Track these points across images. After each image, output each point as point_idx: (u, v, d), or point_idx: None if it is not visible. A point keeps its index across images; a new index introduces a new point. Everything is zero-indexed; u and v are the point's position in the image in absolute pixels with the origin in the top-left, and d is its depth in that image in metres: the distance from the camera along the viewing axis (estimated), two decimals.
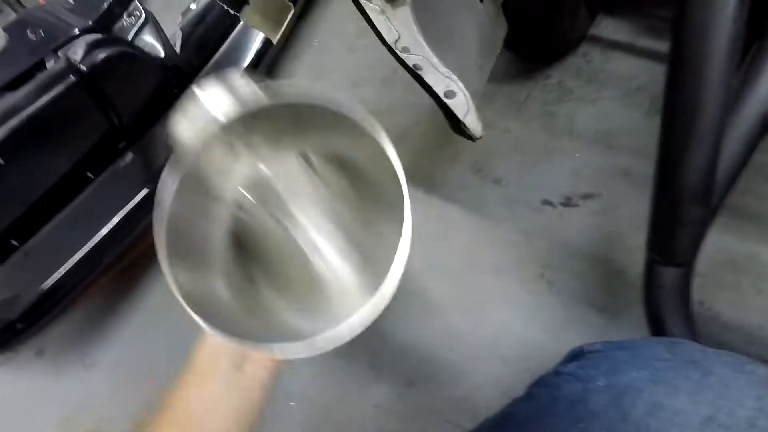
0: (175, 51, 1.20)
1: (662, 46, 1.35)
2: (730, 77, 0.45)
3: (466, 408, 0.94)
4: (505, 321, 1.03)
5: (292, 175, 0.41)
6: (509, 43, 1.25)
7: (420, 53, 0.69)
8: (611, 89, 1.29)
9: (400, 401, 1.01)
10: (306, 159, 0.42)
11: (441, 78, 0.73)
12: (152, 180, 1.13)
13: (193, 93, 0.38)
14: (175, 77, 1.20)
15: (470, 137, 0.81)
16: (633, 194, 1.11)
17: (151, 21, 1.12)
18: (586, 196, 1.13)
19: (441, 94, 0.75)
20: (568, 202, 1.13)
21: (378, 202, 0.40)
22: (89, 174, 1.05)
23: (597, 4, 1.36)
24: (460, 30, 0.85)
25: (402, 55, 0.70)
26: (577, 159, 1.19)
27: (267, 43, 1.41)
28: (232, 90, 0.37)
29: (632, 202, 1.09)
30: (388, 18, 0.65)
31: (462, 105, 0.76)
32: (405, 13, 0.63)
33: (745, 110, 0.51)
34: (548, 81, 1.34)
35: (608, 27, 1.40)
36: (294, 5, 1.52)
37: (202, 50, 1.29)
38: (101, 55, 0.95)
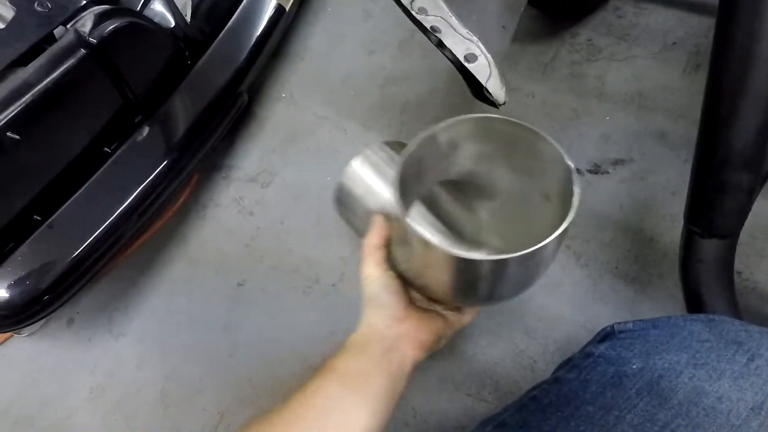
0: (186, 20, 1.16)
1: None
2: None
3: (489, 381, 0.93)
4: (529, 292, 1.00)
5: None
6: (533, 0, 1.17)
7: (438, 14, 0.64)
8: (645, 46, 1.20)
9: (422, 374, 1.01)
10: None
11: (461, 40, 0.68)
12: (171, 152, 1.13)
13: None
14: (188, 47, 1.17)
15: (493, 104, 0.76)
16: (668, 158, 1.04)
17: None
18: (617, 162, 1.07)
19: (461, 58, 0.70)
20: (597, 170, 1.07)
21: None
22: (107, 149, 1.04)
23: None
24: None
25: (418, 17, 0.65)
26: (608, 123, 1.12)
27: (280, 9, 1.36)
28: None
29: (667, 167, 1.03)
30: None
31: (484, 69, 0.71)
32: None
33: None
34: (576, 39, 1.25)
35: None
36: None
37: (214, 18, 1.25)
38: (110, 26, 0.93)
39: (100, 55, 0.93)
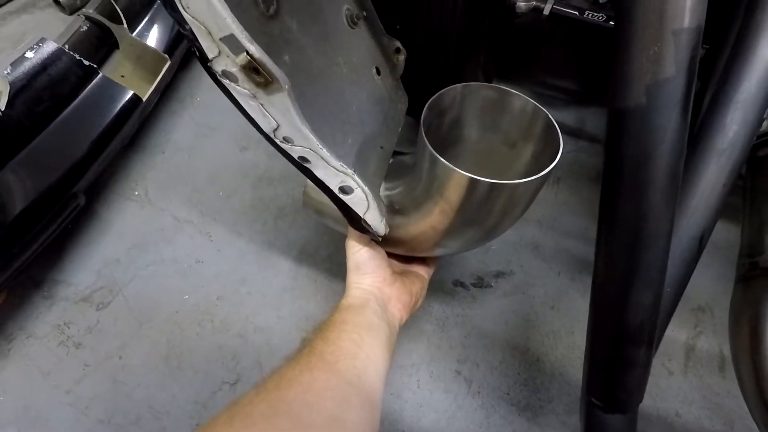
0: None
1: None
2: (674, 204, 0.38)
3: None
4: (423, 429, 0.89)
5: None
6: (413, 107, 1.18)
7: (306, 144, 0.56)
8: None
9: None
10: None
11: (334, 172, 0.59)
12: None
13: None
14: None
15: (372, 235, 0.68)
16: (544, 271, 1.06)
17: None
18: (498, 275, 1.06)
19: (335, 190, 0.62)
20: (480, 283, 1.05)
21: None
22: None
23: (491, 70, 1.36)
24: (357, 110, 0.73)
25: (284, 146, 0.55)
26: None
27: (134, 99, 1.19)
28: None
29: (544, 280, 1.05)
30: (261, 104, 0.50)
31: (361, 201, 0.63)
32: (283, 99, 0.50)
33: (683, 233, 0.45)
34: None
35: None
36: (170, 57, 1.32)
37: (41, 109, 1.03)
38: None
39: None
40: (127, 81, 1.28)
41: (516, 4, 0.97)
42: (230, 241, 1.13)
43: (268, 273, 1.08)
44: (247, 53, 0.45)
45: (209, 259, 1.11)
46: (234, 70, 0.47)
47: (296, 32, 0.62)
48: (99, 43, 1.37)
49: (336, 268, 1.08)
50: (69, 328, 1.03)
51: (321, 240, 1.13)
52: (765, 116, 0.55)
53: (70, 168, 1.05)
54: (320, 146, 0.56)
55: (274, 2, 0.57)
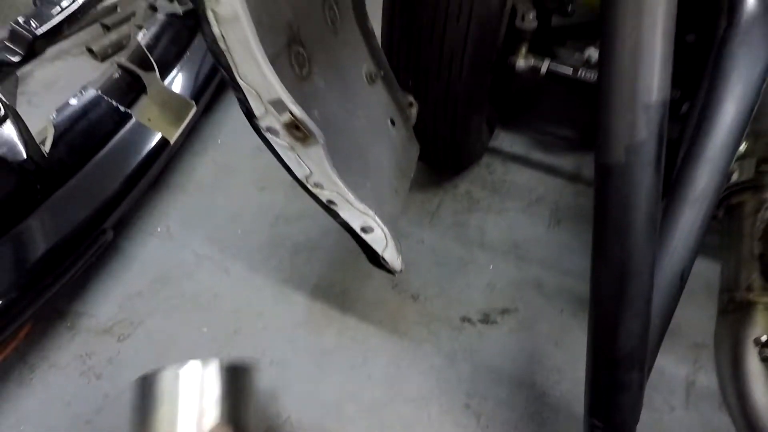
0: (42, 151, 1.02)
1: (551, 159, 1.47)
2: (654, 244, 0.44)
3: None
4: None
5: None
6: (423, 153, 1.27)
7: (334, 189, 0.63)
8: (514, 200, 1.35)
9: None
10: None
11: (357, 214, 0.67)
12: None
13: None
14: (40, 180, 1.02)
15: (390, 271, 0.74)
16: (546, 308, 1.11)
17: (11, 118, 0.95)
18: (504, 312, 1.11)
19: (357, 230, 0.69)
20: (486, 319, 1.10)
21: None
22: None
23: (494, 120, 1.46)
24: (375, 157, 0.81)
25: (314, 191, 0.63)
26: (492, 271, 1.18)
27: (163, 142, 1.29)
28: None
29: (547, 317, 1.10)
30: (298, 155, 0.58)
31: (380, 240, 0.70)
32: (317, 151, 0.57)
33: (666, 270, 0.51)
34: (457, 190, 1.37)
35: (505, 140, 1.50)
36: (197, 103, 1.42)
37: (80, 150, 1.12)
38: None
39: None
40: (153, 124, 1.38)
41: (516, 63, 1.07)
42: (247, 276, 1.19)
43: (283, 307, 1.13)
44: (291, 113, 0.53)
45: (227, 293, 1.16)
46: (277, 126, 0.55)
47: (324, 90, 0.71)
48: (128, 89, 1.48)
49: (348, 304, 1.13)
50: (90, 358, 1.07)
51: (334, 277, 1.18)
52: (732, 170, 0.63)
53: (102, 205, 1.12)
54: (346, 191, 0.64)
55: (307, 66, 0.67)
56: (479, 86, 0.99)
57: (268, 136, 0.57)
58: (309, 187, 0.63)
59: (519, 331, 1.07)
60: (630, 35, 0.38)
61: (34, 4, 1.57)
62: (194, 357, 1.06)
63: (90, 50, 1.91)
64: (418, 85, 0.96)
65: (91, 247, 1.10)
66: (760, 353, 0.49)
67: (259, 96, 0.52)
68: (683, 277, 0.52)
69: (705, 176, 0.53)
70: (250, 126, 0.64)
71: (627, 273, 0.45)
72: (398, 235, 0.76)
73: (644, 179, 0.42)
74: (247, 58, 0.48)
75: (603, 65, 0.42)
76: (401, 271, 0.74)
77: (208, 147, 1.52)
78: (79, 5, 1.00)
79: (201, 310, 1.13)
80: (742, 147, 0.66)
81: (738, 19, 0.56)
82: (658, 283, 0.52)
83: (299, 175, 0.62)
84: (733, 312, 0.56)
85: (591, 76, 1.08)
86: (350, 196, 0.64)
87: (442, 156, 1.21)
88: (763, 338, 0.48)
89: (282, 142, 0.57)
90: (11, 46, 0.91)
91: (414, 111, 0.92)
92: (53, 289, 1.03)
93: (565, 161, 1.42)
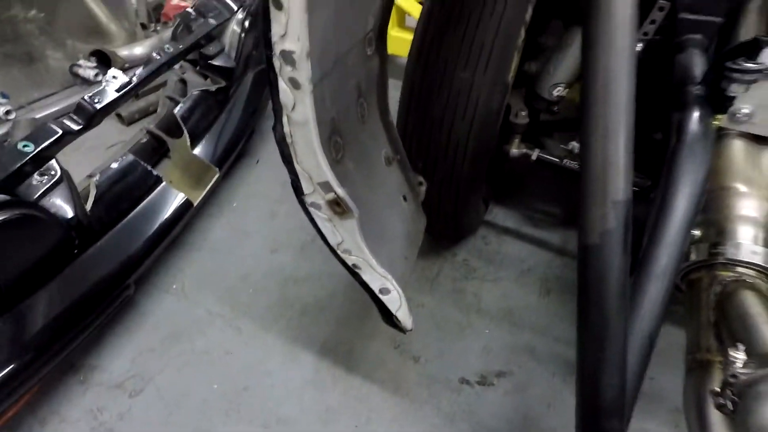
0: (85, 209, 1.12)
1: (540, 234, 1.61)
2: (625, 311, 0.55)
3: None
4: None
5: None
6: (428, 224, 1.40)
7: (360, 255, 0.74)
8: (507, 270, 1.46)
9: None
10: None
11: (377, 277, 0.77)
12: (23, 352, 0.95)
13: None
14: (79, 236, 1.11)
15: (401, 329, 0.84)
16: (539, 372, 1.19)
17: (65, 180, 1.06)
18: (500, 374, 1.18)
19: (377, 291, 0.79)
20: (483, 381, 1.16)
21: None
22: None
23: (489, 196, 1.62)
24: (390, 228, 0.93)
25: (343, 256, 0.74)
26: (487, 336, 1.27)
27: (187, 204, 1.40)
28: None
29: (540, 380, 1.17)
30: (334, 226, 0.70)
31: (395, 301, 0.80)
32: (352, 223, 0.69)
33: (637, 334, 0.62)
34: (455, 259, 1.48)
35: (499, 215, 1.65)
36: (220, 169, 1.56)
37: (116, 208, 1.23)
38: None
39: None
40: (174, 186, 1.50)
41: (510, 151, 1.24)
42: (258, 334, 1.26)
43: (291, 366, 1.19)
44: (335, 193, 0.65)
45: (238, 350, 1.22)
46: (321, 202, 0.67)
47: (352, 171, 0.85)
48: (153, 153, 1.62)
49: (353, 363, 1.20)
50: (102, 414, 1.10)
51: (341, 337, 1.26)
52: (690, 251, 0.76)
53: (129, 261, 1.21)
54: (370, 257, 0.75)
55: (342, 151, 0.80)
56: (479, 170, 1.14)
57: (311, 209, 0.68)
58: (339, 252, 0.73)
59: (514, 393, 1.14)
60: (600, 153, 0.53)
61: (70, 72, 1.76)
62: (204, 413, 1.10)
63: (119, 115, 2.08)
64: (427, 168, 1.11)
65: (114, 302, 1.17)
66: (714, 402, 0.58)
67: (311, 178, 0.65)
68: (652, 340, 0.62)
69: (665, 256, 0.65)
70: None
71: (605, 335, 0.55)
72: (412, 311, 0.85)
73: (615, 259, 0.54)
74: (307, 151, 0.61)
75: (582, 172, 0.56)
76: (411, 329, 0.83)
77: (224, 210, 1.63)
78: (134, 85, 1.15)
79: (212, 366, 1.19)
80: (698, 232, 0.80)
81: (684, 136, 0.72)
82: (631, 345, 0.62)
83: (332, 243, 0.73)
84: (696, 370, 0.66)
85: (574, 165, 1.25)
86: (373, 262, 0.75)
87: (444, 228, 1.34)
88: (717, 389, 0.58)
89: (323, 215, 0.69)
90: (75, 118, 1.04)
91: (423, 189, 1.06)
92: (77, 342, 1.09)
93: (552, 236, 1.56)
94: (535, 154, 1.25)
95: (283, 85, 0.54)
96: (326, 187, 0.65)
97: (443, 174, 1.11)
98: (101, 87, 1.09)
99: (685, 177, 0.68)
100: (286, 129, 0.58)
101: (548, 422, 1.09)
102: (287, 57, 0.52)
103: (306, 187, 0.66)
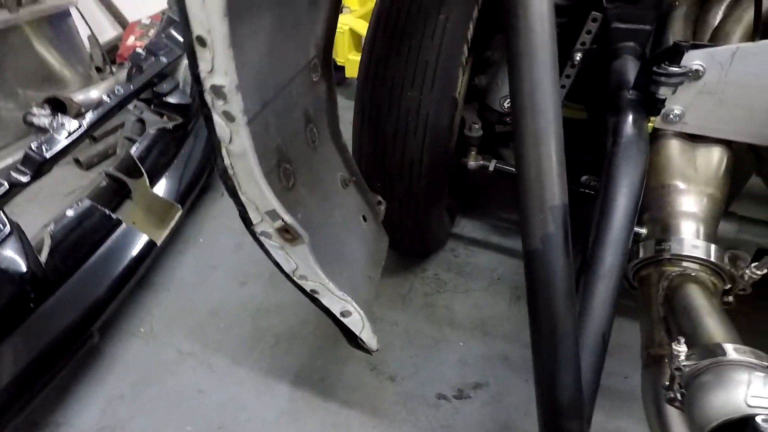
0: (39, 262, 1.09)
1: (508, 242, 1.64)
2: (574, 311, 0.57)
3: None
4: None
5: None
6: (393, 242, 1.41)
7: (317, 280, 0.74)
8: (477, 280, 1.48)
9: None
10: None
11: (336, 300, 0.77)
12: None
13: None
14: (35, 289, 1.07)
15: (367, 351, 0.83)
16: (514, 380, 1.19)
17: (15, 233, 1.03)
18: (476, 386, 1.18)
19: (337, 314, 0.79)
20: (460, 394, 1.16)
21: None
22: None
23: (455, 209, 1.64)
24: (350, 249, 0.94)
25: (300, 282, 0.74)
26: (462, 348, 1.27)
27: (150, 244, 1.37)
28: None
29: (515, 388, 1.17)
30: (287, 253, 0.70)
31: (357, 322, 0.80)
32: (303, 249, 0.69)
33: (590, 332, 0.63)
34: (426, 274, 1.49)
35: (466, 227, 1.67)
36: (182, 206, 1.54)
37: (74, 256, 1.20)
38: None
39: None
40: (139, 227, 1.47)
41: (468, 163, 1.27)
42: (230, 370, 1.23)
43: (266, 398, 1.16)
44: (282, 220, 0.65)
45: (211, 388, 1.19)
46: (270, 230, 0.68)
47: (306, 196, 0.85)
48: (114, 196, 1.60)
49: (329, 390, 1.18)
50: None
51: (315, 364, 1.24)
52: (638, 249, 0.79)
53: (91, 309, 1.17)
54: (327, 281, 0.75)
55: (293, 178, 0.81)
56: (436, 185, 1.16)
57: (262, 238, 0.68)
58: (295, 279, 0.73)
59: (491, 404, 1.14)
60: (533, 161, 0.55)
61: (24, 121, 1.73)
62: None
63: (77, 161, 2.04)
64: (385, 187, 1.12)
65: (77, 352, 1.13)
66: (665, 396, 0.59)
67: (257, 208, 0.65)
68: (605, 337, 0.64)
69: (610, 256, 0.67)
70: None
71: (556, 337, 0.56)
72: (373, 318, 0.85)
73: (558, 261, 0.55)
74: (249, 181, 0.61)
75: (518, 181, 0.58)
76: (377, 350, 0.83)
77: (190, 246, 1.61)
78: (84, 130, 1.14)
79: (185, 407, 1.15)
80: (645, 230, 0.83)
81: (620, 139, 0.76)
82: (585, 344, 0.63)
83: (287, 270, 0.73)
84: (651, 366, 0.68)
85: None
86: (331, 285, 0.75)
87: (410, 244, 1.35)
88: (666, 383, 0.59)
89: (274, 243, 0.69)
90: (23, 169, 1.02)
91: (382, 208, 1.07)
92: (37, 399, 1.04)
93: (517, 243, 1.57)
94: (492, 165, 1.28)
95: (217, 119, 0.55)
96: (273, 215, 0.65)
97: (401, 192, 1.13)
98: (49, 135, 1.08)
99: (622, 178, 0.72)
100: (227, 161, 0.59)
101: (526, 429, 1.09)
102: (218, 91, 0.52)
103: (254, 217, 0.66)
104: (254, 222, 0.66)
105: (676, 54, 0.80)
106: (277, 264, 0.72)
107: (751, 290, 0.78)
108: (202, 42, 0.49)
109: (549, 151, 0.56)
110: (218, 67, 0.50)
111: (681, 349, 0.58)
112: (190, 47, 0.50)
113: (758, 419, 0.46)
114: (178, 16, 0.48)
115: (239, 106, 0.54)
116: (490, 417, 1.12)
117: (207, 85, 0.52)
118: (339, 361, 1.24)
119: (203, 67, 0.50)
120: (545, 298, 0.56)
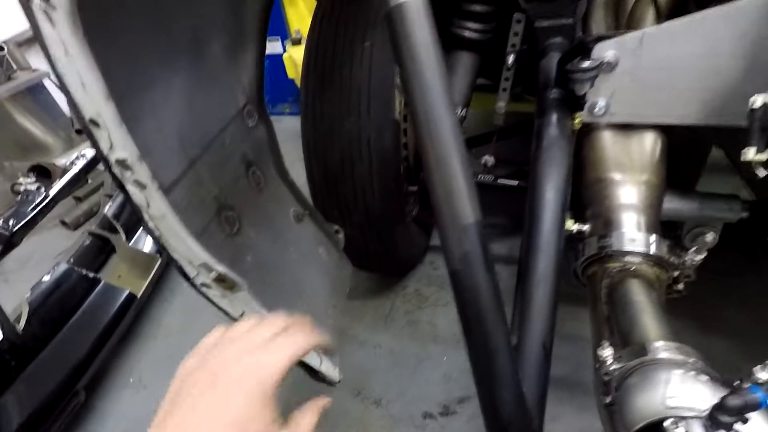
0: (16, 330, 1.12)
1: (493, 246, 1.64)
2: (504, 324, 0.57)
3: None
4: None
5: None
6: (366, 266, 1.42)
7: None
8: None
9: None
10: None
11: None
12: None
13: None
14: (14, 357, 1.10)
15: (330, 383, 0.84)
16: None
17: None
18: (461, 401, 1.18)
19: None
20: (446, 411, 1.16)
21: None
22: None
23: (429, 223, 1.65)
24: (309, 282, 0.95)
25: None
26: (446, 363, 1.27)
27: (130, 297, 1.40)
28: None
29: None
30: (230, 300, 0.71)
31: (315, 357, 0.81)
32: (244, 296, 0.71)
33: (530, 343, 0.64)
34: (406, 291, 1.50)
35: None
36: (161, 255, 1.57)
37: (52, 320, 1.23)
38: None
39: None
40: (123, 281, 1.51)
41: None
42: None
43: None
44: (216, 271, 0.67)
45: None
46: (208, 281, 0.69)
47: (254, 238, 0.87)
48: (99, 252, 1.64)
49: None
50: None
51: (300, 396, 1.25)
52: (581, 247, 0.80)
53: (74, 368, 1.20)
54: (265, 314, 0.76)
55: (237, 223, 0.83)
56: (393, 205, 1.17)
57: (203, 290, 0.70)
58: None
59: (477, 417, 1.13)
60: (440, 183, 0.56)
61: (12, 191, 1.77)
62: None
63: (63, 222, 2.09)
64: (342, 215, 1.14)
65: (63, 413, 1.15)
66: (602, 402, 0.59)
67: (190, 262, 0.67)
68: (546, 347, 0.64)
69: (542, 261, 0.68)
70: None
71: (490, 352, 0.57)
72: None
73: (479, 277, 0.56)
74: (176, 239, 0.63)
75: (432, 204, 0.59)
76: (340, 381, 0.84)
77: (176, 293, 1.64)
78: (50, 199, 1.18)
79: None
80: (588, 227, 0.83)
81: (542, 141, 0.77)
82: (526, 355, 0.64)
83: (234, 316, 0.74)
84: (598, 369, 0.67)
85: (489, 179, 1.30)
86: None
87: (383, 266, 1.36)
88: (602, 389, 0.59)
89: (215, 292, 0.70)
90: None
91: (341, 236, 1.08)
92: None
93: (500, 246, 1.59)
94: None
95: (130, 188, 0.57)
96: (207, 267, 0.67)
97: (360, 217, 1.14)
98: (14, 209, 1.12)
99: (547, 182, 0.72)
100: (150, 225, 0.61)
101: None
102: (123, 164, 0.55)
103: (190, 271, 0.68)
104: (191, 275, 0.68)
105: (583, 50, 0.80)
106: (225, 312, 0.74)
107: (695, 277, 0.77)
108: (95, 123, 0.51)
109: (453, 171, 0.58)
110: (117, 144, 0.53)
111: (605, 353, 0.58)
112: (87, 129, 0.52)
113: (666, 423, 0.46)
114: (67, 102, 0.51)
115: (147, 174, 0.56)
116: (476, 431, 1.11)
117: (111, 159, 0.54)
118: (323, 391, 1.24)
119: (103, 145, 0.53)
120: (474, 317, 0.57)
